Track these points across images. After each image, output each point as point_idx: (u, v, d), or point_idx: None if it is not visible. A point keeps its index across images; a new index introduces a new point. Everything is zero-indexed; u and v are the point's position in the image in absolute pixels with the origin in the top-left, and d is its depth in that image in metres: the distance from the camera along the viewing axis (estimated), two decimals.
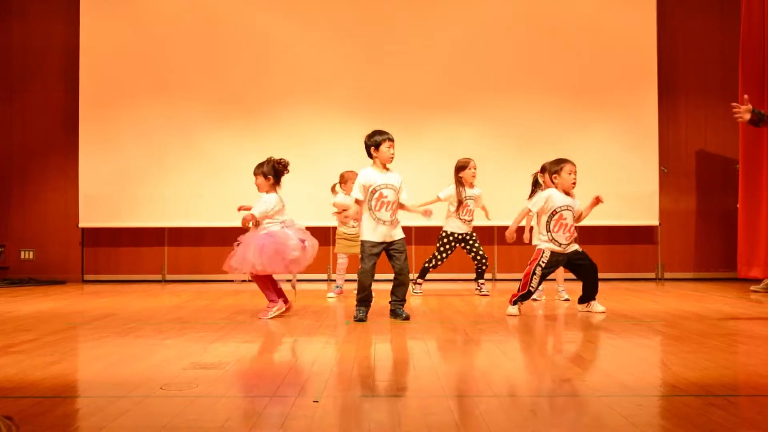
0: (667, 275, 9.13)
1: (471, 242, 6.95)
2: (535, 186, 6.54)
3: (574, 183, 5.44)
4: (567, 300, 6.43)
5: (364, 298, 5.19)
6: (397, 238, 5.26)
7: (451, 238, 6.92)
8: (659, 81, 9.00)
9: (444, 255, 6.93)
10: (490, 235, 8.95)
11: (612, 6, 9.07)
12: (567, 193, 5.47)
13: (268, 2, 9.09)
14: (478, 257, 6.94)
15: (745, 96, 5.14)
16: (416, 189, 8.51)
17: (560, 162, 5.49)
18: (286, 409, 2.66)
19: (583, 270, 5.54)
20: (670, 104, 9.19)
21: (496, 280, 8.91)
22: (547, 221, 5.41)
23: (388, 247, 5.23)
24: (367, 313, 5.20)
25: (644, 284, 8.46)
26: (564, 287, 6.59)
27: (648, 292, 7.41)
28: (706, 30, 9.25)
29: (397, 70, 8.97)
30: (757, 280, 7.61)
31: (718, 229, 9.12)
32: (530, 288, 5.37)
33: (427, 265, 6.96)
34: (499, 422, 2.51)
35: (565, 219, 5.41)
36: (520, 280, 5.51)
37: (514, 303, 5.43)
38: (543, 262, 5.37)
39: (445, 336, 4.58)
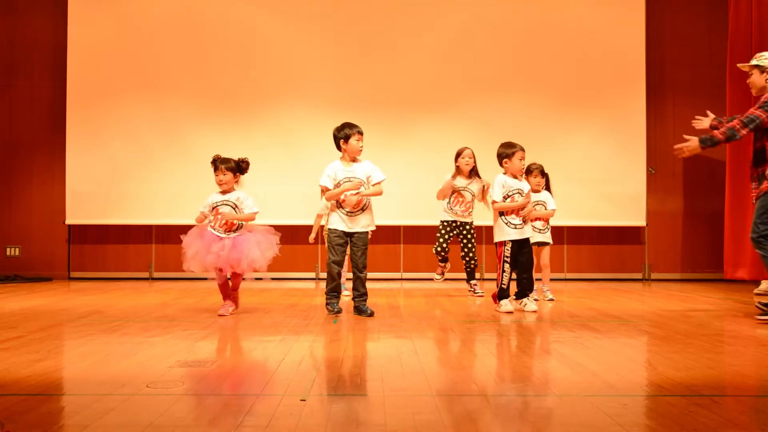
0: (653, 276, 9.17)
1: (465, 236, 6.81)
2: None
3: (523, 168, 5.71)
4: (552, 300, 6.45)
5: (334, 289, 5.39)
6: (358, 230, 5.37)
7: (444, 224, 6.83)
8: (647, 81, 9.04)
9: (442, 239, 6.80)
10: (478, 234, 8.95)
11: (601, 6, 9.09)
12: (516, 177, 5.68)
13: (256, 0, 9.06)
14: (468, 257, 6.83)
15: (708, 113, 5.51)
16: (402, 186, 8.58)
17: (510, 146, 5.70)
18: (272, 408, 2.66)
19: (523, 263, 5.68)
20: (658, 105, 9.23)
21: (484, 279, 8.92)
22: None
23: (350, 239, 5.38)
24: (338, 303, 5.43)
25: (631, 285, 8.50)
26: (549, 287, 6.60)
27: (634, 293, 7.45)
28: (695, 30, 9.30)
29: (385, 68, 8.96)
30: (742, 281, 7.66)
31: (704, 230, 9.18)
32: (502, 285, 5.59)
33: (434, 250, 6.87)
34: (486, 422, 2.52)
35: (516, 201, 5.60)
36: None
37: (499, 300, 5.66)
38: (506, 256, 5.58)
39: (433, 335, 4.58)
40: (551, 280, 6.73)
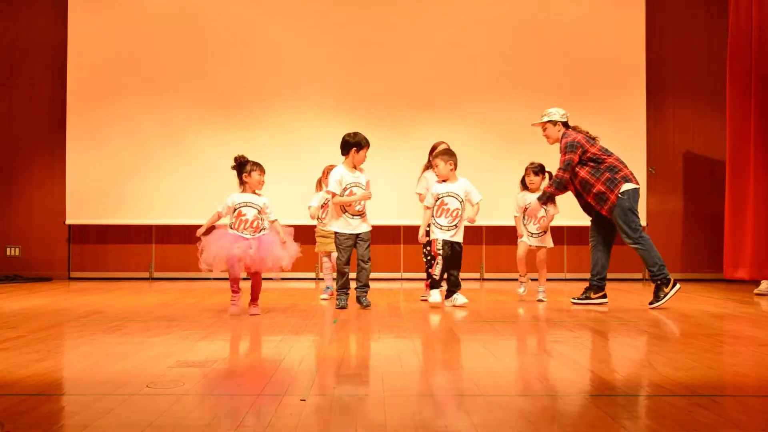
0: None
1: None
2: (524, 185, 6.53)
3: (453, 170, 5.93)
4: (541, 301, 6.33)
5: (344, 285, 5.74)
6: (363, 230, 5.76)
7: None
8: (647, 82, 9.04)
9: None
10: (479, 235, 8.96)
11: (601, 6, 9.10)
12: (445, 180, 5.94)
13: (256, 0, 9.07)
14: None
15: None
16: (402, 186, 8.57)
17: (438, 154, 6.01)
18: (273, 408, 2.66)
19: (450, 262, 5.91)
20: (658, 105, 9.23)
21: (483, 279, 8.92)
22: (432, 208, 5.91)
23: (356, 238, 5.74)
24: (347, 299, 5.74)
25: (631, 284, 8.50)
26: (544, 287, 6.46)
27: (635, 292, 7.44)
28: (695, 31, 9.30)
29: (384, 69, 8.97)
30: (742, 281, 7.65)
31: (704, 230, 9.18)
32: (434, 276, 5.82)
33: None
34: (486, 422, 2.52)
35: (446, 204, 5.87)
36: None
37: (430, 289, 5.93)
38: (438, 249, 5.84)
39: (432, 335, 4.58)
40: (548, 280, 6.70)
